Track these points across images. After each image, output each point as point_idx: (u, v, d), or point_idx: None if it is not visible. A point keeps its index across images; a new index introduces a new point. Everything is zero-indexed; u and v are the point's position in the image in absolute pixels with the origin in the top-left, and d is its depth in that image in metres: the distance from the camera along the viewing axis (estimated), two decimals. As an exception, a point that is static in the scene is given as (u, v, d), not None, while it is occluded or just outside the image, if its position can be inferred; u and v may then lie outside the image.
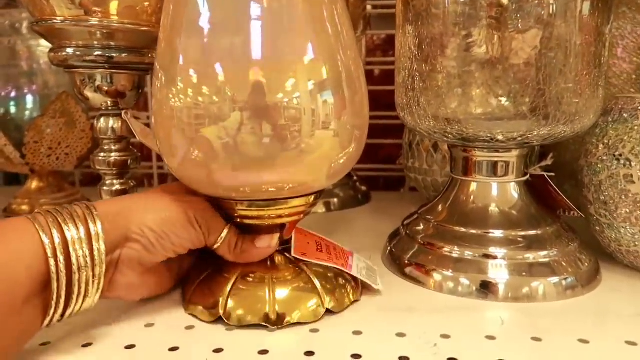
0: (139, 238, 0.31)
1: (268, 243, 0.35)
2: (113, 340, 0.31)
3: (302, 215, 0.35)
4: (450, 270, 0.39)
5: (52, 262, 0.27)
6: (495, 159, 0.41)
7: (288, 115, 0.29)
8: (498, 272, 0.38)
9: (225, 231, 0.34)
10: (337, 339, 0.31)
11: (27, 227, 0.27)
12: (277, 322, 0.32)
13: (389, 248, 0.46)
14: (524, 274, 0.38)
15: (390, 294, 0.38)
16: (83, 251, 0.28)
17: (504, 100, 0.37)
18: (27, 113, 0.61)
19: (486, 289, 0.38)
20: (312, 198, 0.34)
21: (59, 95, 0.56)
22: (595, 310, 0.35)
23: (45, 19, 0.39)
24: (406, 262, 0.42)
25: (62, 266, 0.27)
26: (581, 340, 0.31)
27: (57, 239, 0.27)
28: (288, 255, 0.36)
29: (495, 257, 0.39)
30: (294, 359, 0.29)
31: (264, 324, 0.32)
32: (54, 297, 0.27)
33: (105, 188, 0.44)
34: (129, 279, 0.32)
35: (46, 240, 0.27)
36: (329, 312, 0.34)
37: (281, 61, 0.29)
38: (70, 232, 0.28)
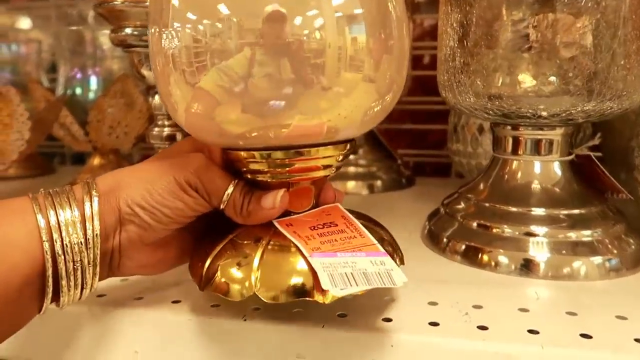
0: (131, 218, 0.28)
1: (272, 202, 0.29)
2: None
3: (330, 171, 0.30)
4: (490, 247, 0.39)
5: (46, 245, 0.25)
6: (539, 137, 0.40)
7: (309, 49, 0.25)
8: (539, 250, 0.38)
9: (230, 189, 0.29)
10: (369, 304, 0.32)
11: (26, 207, 0.26)
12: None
13: (427, 226, 0.46)
14: (564, 252, 0.37)
15: (427, 269, 0.39)
16: (77, 234, 0.26)
17: (548, 77, 0.36)
18: (91, 94, 0.65)
19: (526, 266, 0.37)
20: (344, 149, 0.30)
21: (119, 77, 0.60)
22: (637, 290, 0.34)
23: (107, 0, 0.42)
24: (445, 239, 0.42)
25: (59, 250, 0.26)
26: (619, 317, 0.30)
27: (53, 221, 0.26)
28: None
29: (536, 235, 0.38)
30: (327, 320, 0.30)
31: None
32: (49, 282, 0.26)
33: (158, 161, 0.47)
34: (138, 261, 0.30)
35: (42, 223, 0.25)
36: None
37: None
38: (65, 214, 0.26)
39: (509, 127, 0.41)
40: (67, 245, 0.26)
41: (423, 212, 0.51)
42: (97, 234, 0.27)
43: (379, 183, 0.65)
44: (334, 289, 0.26)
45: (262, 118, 0.26)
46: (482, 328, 0.29)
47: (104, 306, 0.32)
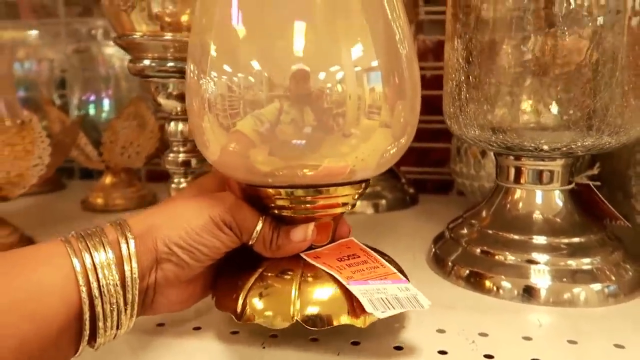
0: (169, 257, 0.29)
1: (303, 236, 0.31)
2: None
3: (347, 208, 0.33)
4: (493, 274, 0.41)
5: (83, 289, 0.25)
6: (541, 168, 0.42)
7: (332, 100, 0.27)
8: (540, 277, 0.39)
9: (260, 226, 0.31)
10: (380, 332, 0.34)
11: (60, 251, 0.26)
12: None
13: (433, 250, 0.48)
14: (564, 279, 0.39)
15: (433, 292, 0.40)
16: (113, 276, 0.26)
17: (549, 110, 0.38)
18: (104, 115, 0.67)
19: (528, 293, 0.39)
20: (360, 187, 0.32)
21: (132, 100, 0.61)
22: (635, 317, 0.36)
23: (127, 34, 0.43)
24: (450, 264, 0.44)
25: (95, 292, 0.26)
26: (617, 345, 0.32)
27: (88, 264, 0.26)
28: None
29: (537, 263, 0.40)
30: (342, 348, 0.32)
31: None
32: (87, 326, 0.26)
33: (173, 185, 0.49)
34: (172, 298, 0.31)
35: (77, 266, 0.26)
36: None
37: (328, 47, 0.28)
38: (99, 256, 0.26)
39: (511, 158, 0.43)
40: (104, 287, 0.26)
41: (426, 232, 0.53)
42: (135, 276, 0.27)
43: (383, 202, 0.67)
44: (376, 312, 0.28)
45: (287, 160, 0.29)
46: (489, 357, 0.31)
47: (127, 334, 0.34)
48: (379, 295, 0.30)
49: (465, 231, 0.46)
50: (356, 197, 0.33)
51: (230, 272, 0.33)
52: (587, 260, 0.40)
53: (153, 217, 0.30)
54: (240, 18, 0.28)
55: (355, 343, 0.32)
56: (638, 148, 0.43)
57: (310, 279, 0.31)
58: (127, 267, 0.27)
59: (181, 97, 0.46)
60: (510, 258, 0.41)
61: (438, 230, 0.51)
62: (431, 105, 0.75)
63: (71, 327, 0.26)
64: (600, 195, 0.42)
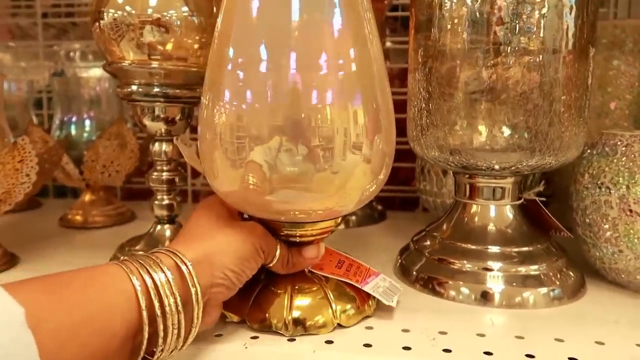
0: (223, 282, 0.33)
1: (316, 253, 0.39)
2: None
3: (328, 234, 0.40)
4: (453, 281, 0.45)
5: (144, 309, 0.27)
6: (493, 185, 0.47)
7: (321, 134, 0.32)
8: (495, 282, 0.44)
9: (279, 250, 0.37)
10: (351, 332, 0.37)
11: (119, 272, 0.28)
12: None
13: (399, 261, 0.52)
14: (515, 284, 0.44)
15: (399, 298, 0.44)
16: (175, 297, 0.29)
17: (500, 133, 0.43)
18: (85, 135, 0.69)
19: (484, 297, 0.44)
20: (340, 218, 0.40)
21: (115, 121, 0.64)
22: (575, 316, 0.41)
23: (116, 61, 0.47)
24: (414, 273, 0.48)
25: (158, 310, 0.28)
26: (557, 339, 0.36)
27: (149, 283, 0.28)
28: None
29: (492, 270, 0.45)
30: (318, 346, 0.35)
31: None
32: (144, 345, 0.28)
33: (156, 202, 0.52)
34: (213, 316, 0.34)
35: (138, 286, 0.27)
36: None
37: (318, 73, 0.32)
38: (159, 277, 0.28)
39: (467, 176, 0.48)
40: (165, 307, 0.28)
41: (394, 246, 0.57)
42: (199, 296, 0.30)
43: (353, 218, 0.71)
44: (390, 302, 0.40)
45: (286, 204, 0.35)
46: (447, 351, 0.35)
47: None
48: (380, 289, 0.40)
49: (428, 243, 0.51)
50: (337, 223, 0.41)
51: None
52: (535, 267, 0.45)
53: (204, 245, 0.33)
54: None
55: (329, 342, 0.36)
56: (578, 168, 0.48)
57: (333, 286, 0.40)
58: (192, 289, 0.30)
59: (166, 120, 0.50)
60: (468, 266, 0.46)
61: (404, 244, 0.55)
62: (398, 127, 0.81)
63: (126, 345, 0.27)
64: (546, 210, 0.48)
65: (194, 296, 0.30)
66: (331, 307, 0.38)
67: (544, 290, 0.44)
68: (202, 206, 0.38)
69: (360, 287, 0.40)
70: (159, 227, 0.52)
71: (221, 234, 0.35)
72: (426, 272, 0.47)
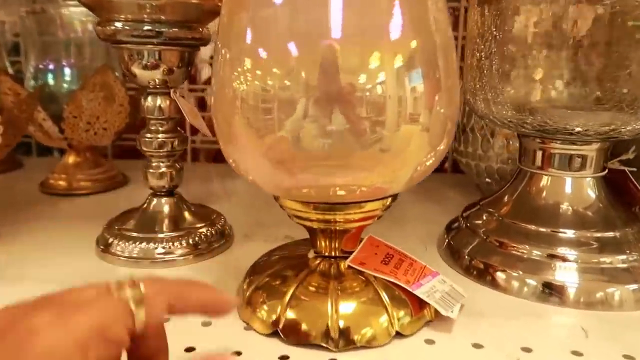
0: None
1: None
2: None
3: (374, 220, 0.32)
4: (516, 270, 0.37)
5: None
6: (573, 152, 0.38)
7: (368, 103, 0.25)
8: (568, 274, 0.35)
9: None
10: (408, 345, 0.29)
11: None
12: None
13: (446, 240, 0.44)
14: (595, 279, 0.35)
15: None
16: None
17: (582, 86, 0.33)
18: (65, 86, 0.59)
19: (555, 291, 0.35)
20: (389, 201, 0.31)
21: (99, 69, 0.54)
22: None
23: (93, -10, 0.36)
24: (466, 257, 0.40)
25: None
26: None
27: None
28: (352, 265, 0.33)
29: (565, 259, 0.36)
30: None
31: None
32: None
33: (151, 170, 0.42)
34: None
35: None
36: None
37: (362, 37, 0.25)
38: None
39: (538, 140, 0.39)
40: None
41: (430, 217, 0.48)
42: None
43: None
44: (449, 313, 0.30)
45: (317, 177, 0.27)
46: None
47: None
48: (437, 295, 0.31)
49: (482, 220, 0.42)
50: (384, 208, 0.31)
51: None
52: (622, 257, 0.36)
53: None
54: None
55: (382, 364, 0.27)
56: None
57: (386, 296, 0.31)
58: None
59: (160, 68, 0.39)
60: (536, 253, 0.37)
61: (443, 214, 0.47)
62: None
63: None
64: (636, 183, 0.39)
65: None
66: (387, 312, 0.30)
67: (634, 286, 0.35)
68: None
69: (411, 290, 0.31)
70: (154, 201, 0.43)
71: None
72: (482, 257, 0.39)
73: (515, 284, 0.37)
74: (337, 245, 0.33)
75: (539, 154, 0.39)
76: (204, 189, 0.63)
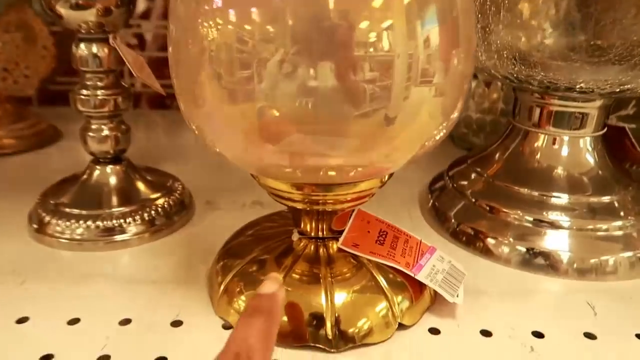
0: None
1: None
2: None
3: (369, 198, 0.27)
4: (507, 237, 0.34)
5: None
6: (573, 109, 0.35)
7: (371, 61, 0.19)
8: (562, 242, 0.33)
9: None
10: (411, 337, 0.26)
11: None
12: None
13: (431, 201, 0.40)
14: (591, 244, 0.33)
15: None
16: None
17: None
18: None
19: (548, 259, 0.33)
20: (386, 177, 0.27)
21: (13, 3, 0.44)
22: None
23: None
24: (453, 220, 0.37)
25: None
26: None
27: None
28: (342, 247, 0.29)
29: (559, 226, 0.34)
30: None
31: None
32: None
33: (91, 134, 0.35)
34: None
35: None
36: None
37: None
38: None
39: (535, 95, 0.35)
40: None
41: (409, 175, 0.44)
42: None
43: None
44: (455, 299, 0.27)
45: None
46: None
47: None
48: (439, 277, 0.28)
49: (469, 181, 0.39)
50: (380, 186, 0.27)
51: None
52: (618, 223, 0.34)
53: None
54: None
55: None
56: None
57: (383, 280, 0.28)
58: None
59: (94, 7, 0.31)
60: (527, 218, 0.34)
61: (423, 173, 0.44)
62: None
63: None
64: (634, 141, 0.36)
65: None
66: (387, 300, 0.26)
67: (628, 254, 0.33)
68: None
69: (413, 275, 0.28)
70: (97, 170, 0.36)
71: None
72: (471, 223, 0.36)
73: (507, 250, 0.34)
74: (324, 226, 0.28)
75: (537, 110, 0.36)
76: (150, 145, 0.55)
